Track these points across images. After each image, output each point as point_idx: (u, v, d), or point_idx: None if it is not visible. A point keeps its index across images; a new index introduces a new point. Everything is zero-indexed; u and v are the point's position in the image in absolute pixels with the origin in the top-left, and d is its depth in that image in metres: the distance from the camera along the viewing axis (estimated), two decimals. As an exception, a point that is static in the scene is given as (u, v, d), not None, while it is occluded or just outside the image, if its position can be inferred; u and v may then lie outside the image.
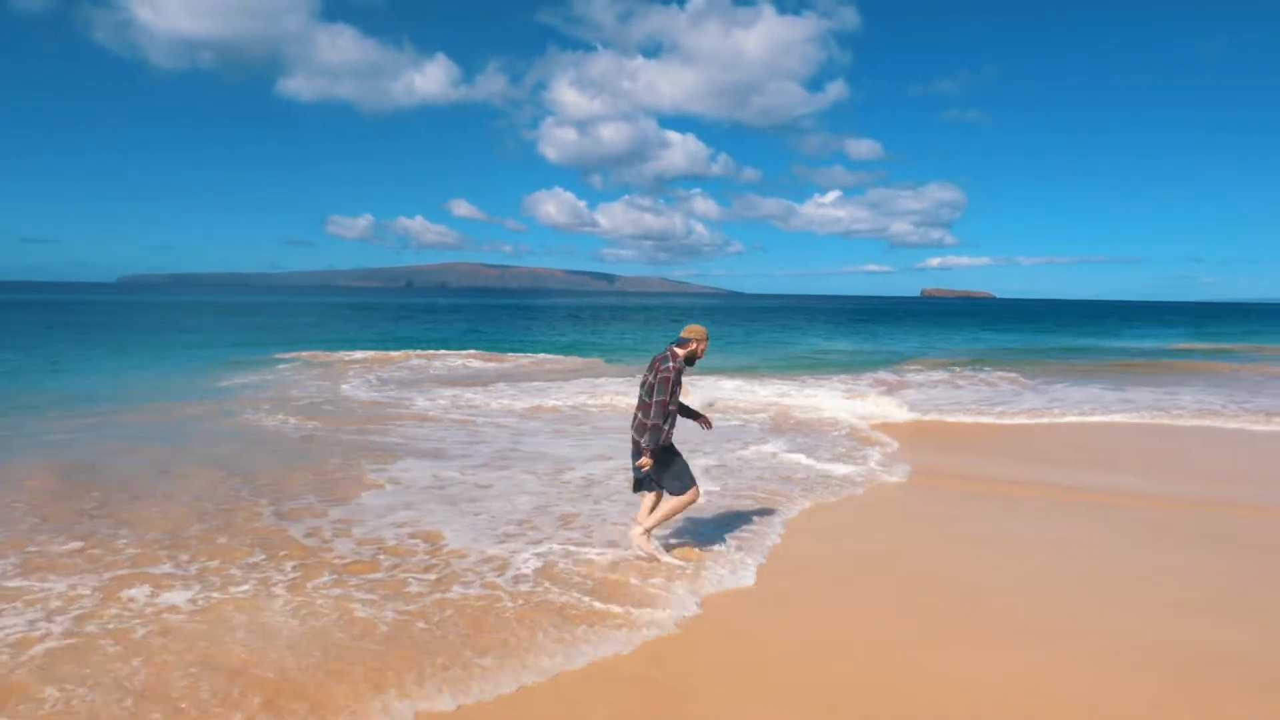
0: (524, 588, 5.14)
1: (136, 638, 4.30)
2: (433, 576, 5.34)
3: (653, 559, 5.61)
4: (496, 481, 8.23)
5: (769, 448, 10.26)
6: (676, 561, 5.60)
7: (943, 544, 6.45)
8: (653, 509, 5.64)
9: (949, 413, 13.90)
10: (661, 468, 5.50)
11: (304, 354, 24.45)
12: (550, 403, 14.28)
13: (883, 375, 20.31)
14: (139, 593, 4.95)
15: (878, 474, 9.00)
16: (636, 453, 5.49)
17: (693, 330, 5.60)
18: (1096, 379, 20.21)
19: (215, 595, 4.91)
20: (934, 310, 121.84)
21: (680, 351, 5.54)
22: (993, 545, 6.43)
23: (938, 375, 20.45)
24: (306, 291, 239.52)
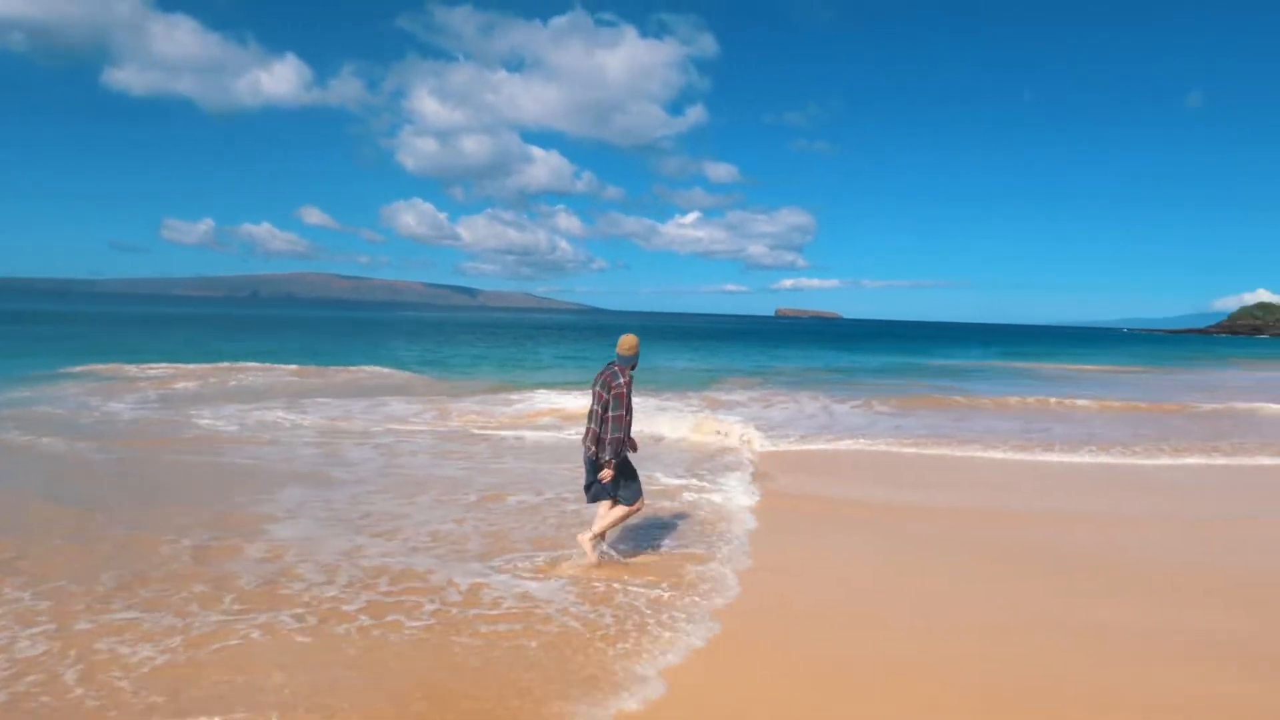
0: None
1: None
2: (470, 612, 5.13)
3: (598, 563, 5.96)
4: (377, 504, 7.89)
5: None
6: (624, 560, 6.09)
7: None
8: (612, 524, 6.03)
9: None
10: (618, 478, 5.84)
11: (100, 367, 22.34)
12: (358, 423, 13.70)
13: (697, 394, 20.99)
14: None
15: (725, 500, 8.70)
16: (595, 466, 5.76)
17: (629, 345, 5.94)
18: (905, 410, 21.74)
19: (258, 636, 4.62)
20: (784, 329, 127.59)
21: (628, 369, 5.91)
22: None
23: (752, 394, 21.37)
24: (136, 300, 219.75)
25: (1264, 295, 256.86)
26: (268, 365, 24.97)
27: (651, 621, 5.03)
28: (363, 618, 4.97)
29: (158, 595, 5.26)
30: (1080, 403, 20.27)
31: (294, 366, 25.44)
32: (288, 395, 17.54)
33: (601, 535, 6.08)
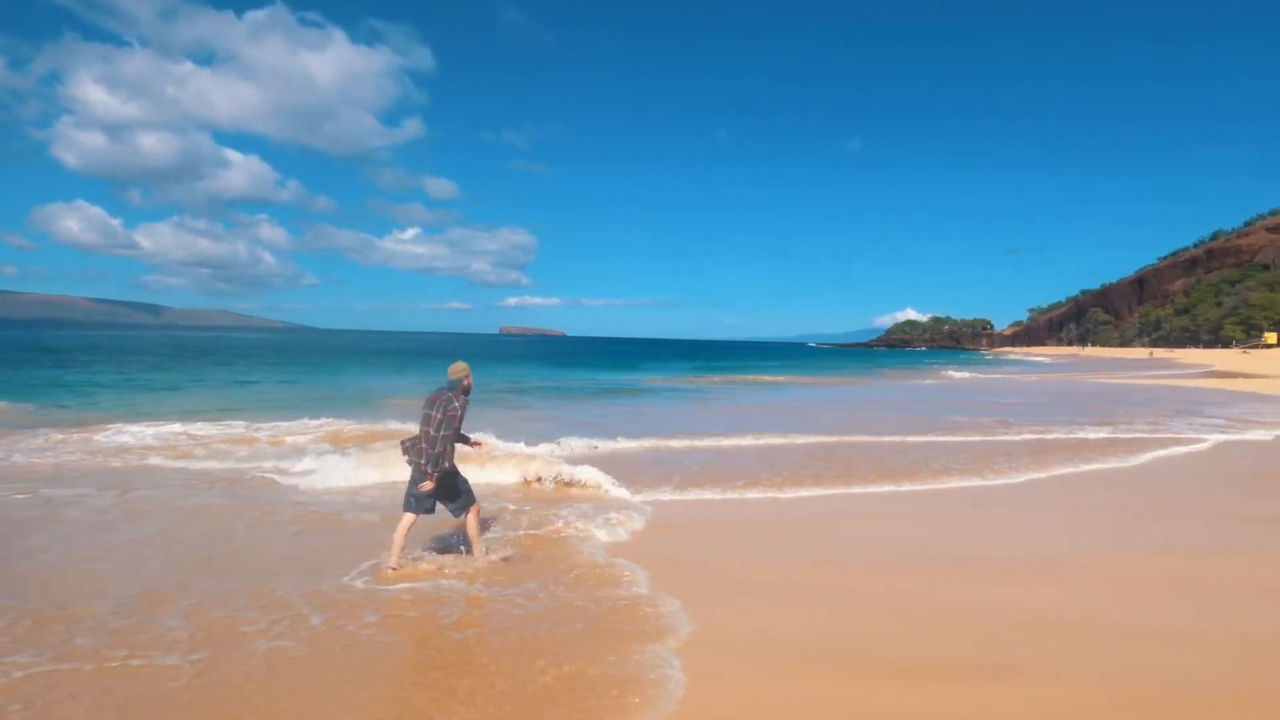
0: None
1: None
2: None
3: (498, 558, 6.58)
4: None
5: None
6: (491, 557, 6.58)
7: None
8: (407, 532, 6.38)
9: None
10: (448, 487, 6.42)
11: None
12: None
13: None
14: None
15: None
16: (421, 477, 6.28)
17: (460, 370, 6.52)
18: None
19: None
20: (505, 346, 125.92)
21: (459, 392, 6.44)
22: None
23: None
24: None
25: (911, 313, 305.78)
26: None
27: None
28: None
29: None
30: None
31: None
32: None
33: (478, 541, 6.59)
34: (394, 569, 6.17)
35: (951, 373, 54.04)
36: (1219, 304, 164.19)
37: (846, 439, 14.53)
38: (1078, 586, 6.12)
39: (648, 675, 4.31)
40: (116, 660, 4.43)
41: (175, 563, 6.32)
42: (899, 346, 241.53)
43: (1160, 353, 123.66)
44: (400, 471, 7.69)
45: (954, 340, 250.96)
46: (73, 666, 4.35)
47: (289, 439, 13.02)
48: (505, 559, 6.61)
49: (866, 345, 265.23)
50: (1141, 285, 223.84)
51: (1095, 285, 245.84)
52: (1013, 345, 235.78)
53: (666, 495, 9.47)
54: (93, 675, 4.25)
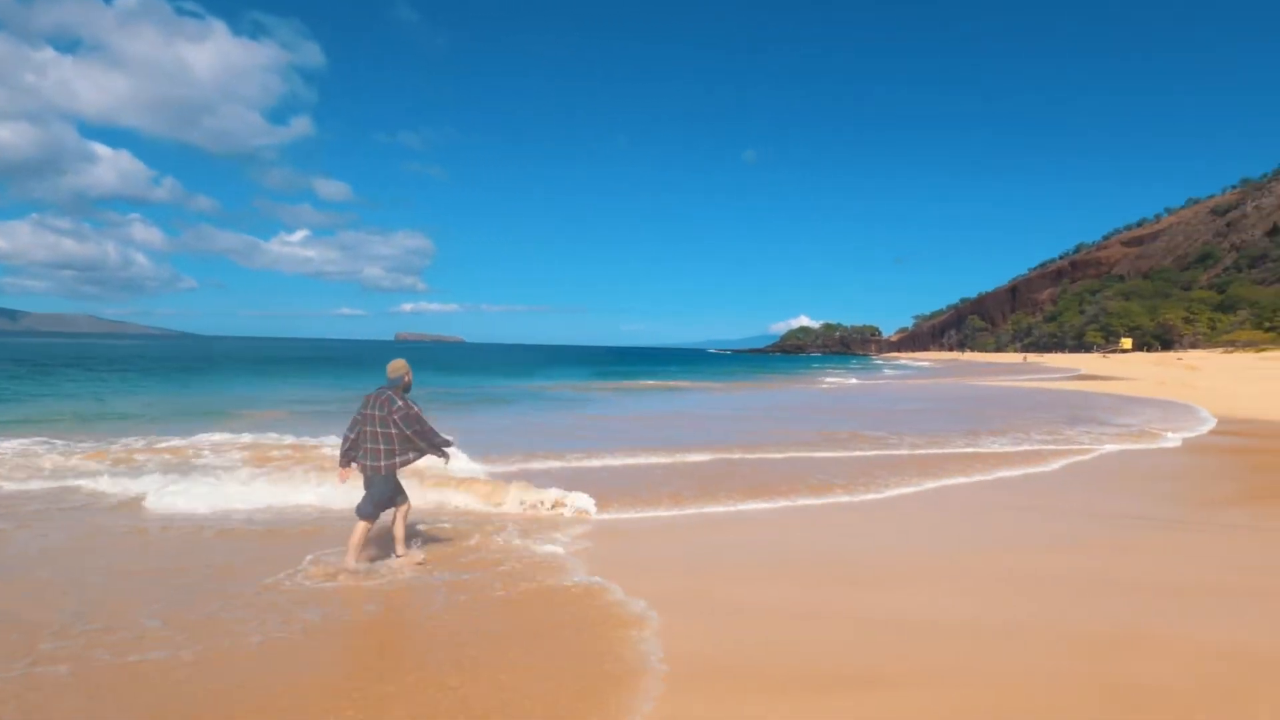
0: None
1: None
2: None
3: (417, 560, 6.42)
4: None
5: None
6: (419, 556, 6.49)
7: None
8: (364, 537, 6.28)
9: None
10: (392, 484, 6.37)
11: None
12: None
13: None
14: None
15: None
16: (375, 476, 6.26)
17: (399, 367, 6.49)
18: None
19: None
20: (398, 353, 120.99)
21: (401, 390, 6.42)
22: None
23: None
24: None
25: (805, 320, 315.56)
26: None
27: None
28: None
29: None
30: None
31: None
32: None
33: (404, 540, 6.56)
34: (352, 571, 6.10)
35: (835, 379, 55.16)
36: (1082, 312, 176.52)
37: (721, 456, 13.88)
38: (940, 588, 5.73)
39: None
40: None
41: None
42: (793, 352, 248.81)
43: (1032, 357, 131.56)
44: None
45: (845, 346, 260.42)
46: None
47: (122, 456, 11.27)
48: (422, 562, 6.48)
49: (763, 351, 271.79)
50: (1014, 294, 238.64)
51: (973, 294, 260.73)
52: (899, 350, 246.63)
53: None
54: None
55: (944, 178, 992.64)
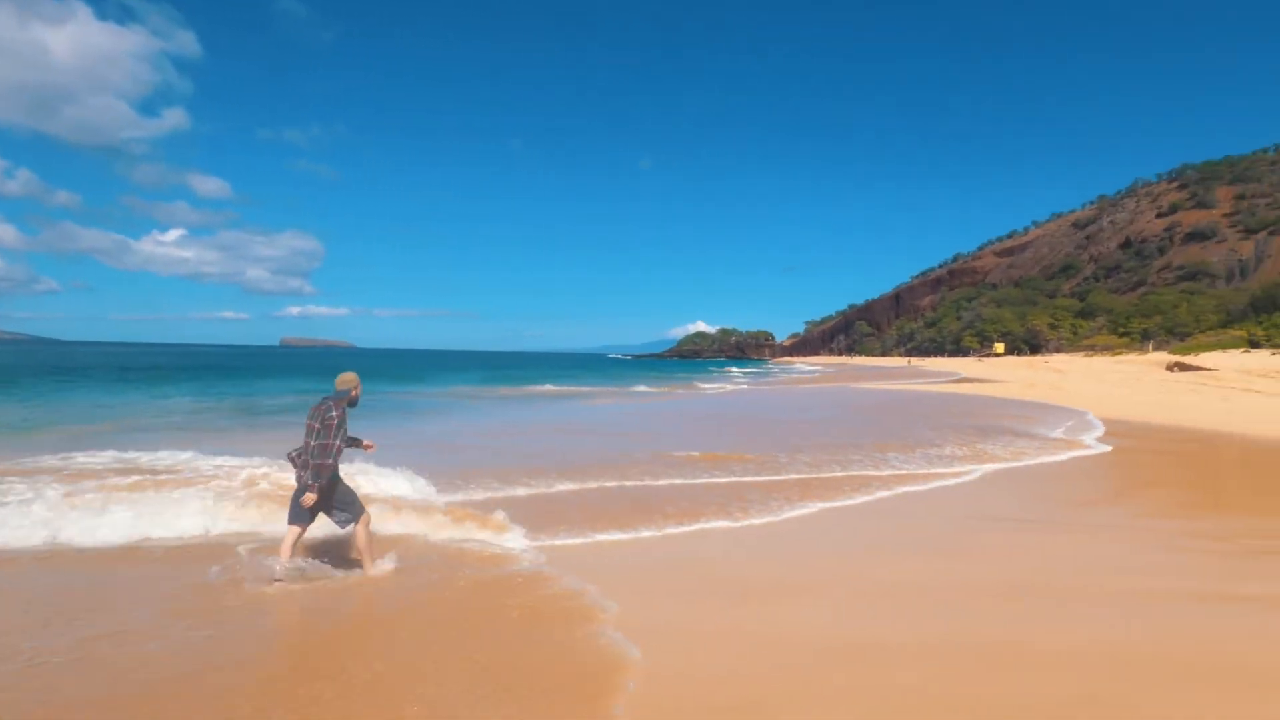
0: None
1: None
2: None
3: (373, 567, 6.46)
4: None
5: None
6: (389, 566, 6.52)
7: None
8: (295, 541, 6.30)
9: None
10: (330, 497, 6.29)
11: None
12: None
13: None
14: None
15: None
16: (303, 489, 6.14)
17: (347, 380, 6.46)
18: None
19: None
20: (281, 359, 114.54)
21: (343, 402, 6.34)
22: None
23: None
24: None
25: (702, 325, 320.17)
26: None
27: None
28: None
29: None
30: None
31: None
32: None
33: (369, 552, 6.45)
34: (279, 580, 6.08)
35: (715, 385, 55.33)
36: (959, 318, 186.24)
37: (591, 486, 12.87)
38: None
39: None
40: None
41: None
42: (690, 357, 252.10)
43: (915, 361, 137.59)
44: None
45: (740, 350, 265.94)
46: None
47: None
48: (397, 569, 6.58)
49: (661, 356, 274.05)
50: (898, 301, 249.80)
51: (860, 301, 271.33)
52: (792, 354, 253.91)
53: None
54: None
55: (831, 185, 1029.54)
